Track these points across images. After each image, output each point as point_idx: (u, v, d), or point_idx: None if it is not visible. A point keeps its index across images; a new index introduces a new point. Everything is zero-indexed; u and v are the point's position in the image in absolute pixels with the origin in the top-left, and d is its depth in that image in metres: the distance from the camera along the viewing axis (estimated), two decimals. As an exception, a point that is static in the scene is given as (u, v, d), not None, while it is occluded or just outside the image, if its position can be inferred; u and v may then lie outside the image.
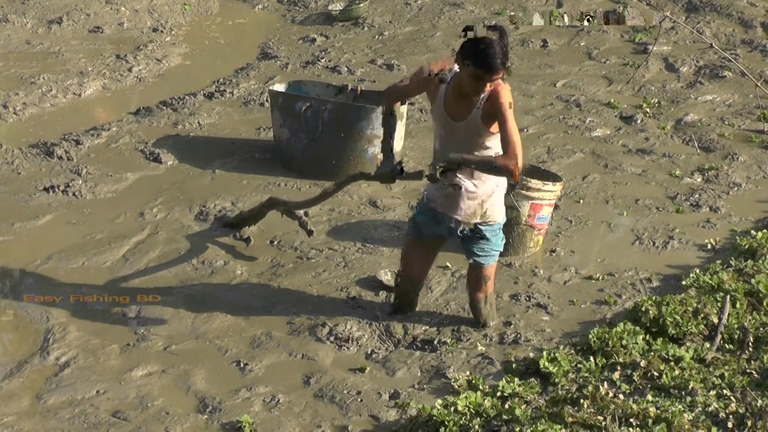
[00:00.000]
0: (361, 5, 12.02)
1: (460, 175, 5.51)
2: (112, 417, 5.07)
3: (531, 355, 5.59)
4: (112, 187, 7.63)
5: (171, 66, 10.42)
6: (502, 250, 5.86)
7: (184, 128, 8.73)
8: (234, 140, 8.61)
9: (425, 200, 5.78)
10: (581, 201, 7.67)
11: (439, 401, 5.09)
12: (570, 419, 4.74)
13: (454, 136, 5.52)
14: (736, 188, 7.93)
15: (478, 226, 5.65)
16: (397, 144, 7.86)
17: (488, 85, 5.31)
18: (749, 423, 4.66)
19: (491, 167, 5.36)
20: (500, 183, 5.64)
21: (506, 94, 5.34)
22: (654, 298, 5.95)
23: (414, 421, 4.99)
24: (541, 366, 5.36)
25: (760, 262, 6.45)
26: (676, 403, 4.87)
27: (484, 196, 5.58)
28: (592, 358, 5.41)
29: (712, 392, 5.00)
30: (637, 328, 5.65)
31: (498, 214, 5.69)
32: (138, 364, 5.50)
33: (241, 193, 7.58)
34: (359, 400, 5.26)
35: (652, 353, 5.42)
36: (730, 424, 4.67)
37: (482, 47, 5.21)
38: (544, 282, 6.53)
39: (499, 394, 5.14)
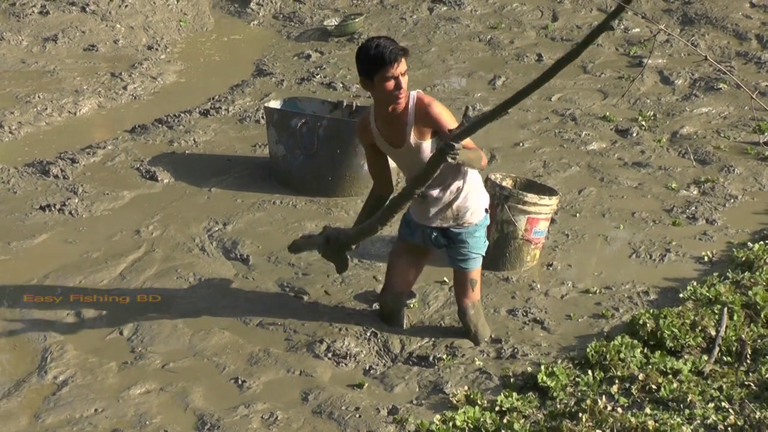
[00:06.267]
0: (357, 21, 12.06)
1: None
2: (111, 436, 5.07)
3: (529, 369, 5.58)
4: (108, 205, 7.63)
5: (166, 83, 10.45)
6: (483, 253, 5.85)
7: (180, 146, 8.74)
8: (230, 157, 8.61)
9: (408, 213, 5.85)
10: (578, 215, 7.67)
11: (438, 417, 5.09)
12: (569, 433, 4.75)
13: (403, 160, 5.63)
14: (732, 200, 7.94)
15: (452, 229, 5.69)
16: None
17: (400, 79, 5.29)
18: (748, 435, 4.68)
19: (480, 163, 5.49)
20: (464, 186, 5.62)
21: (437, 108, 5.39)
22: (651, 311, 5.95)
23: (412, 437, 5.01)
24: (539, 380, 5.36)
25: (758, 274, 6.45)
26: (675, 416, 4.87)
27: (449, 200, 5.61)
28: (590, 372, 5.41)
29: (711, 405, 5.00)
30: (635, 341, 5.65)
31: (472, 216, 5.68)
32: (136, 382, 5.48)
33: (237, 211, 7.58)
34: (357, 416, 5.25)
35: (650, 366, 5.42)
36: (728, 437, 4.69)
37: (373, 51, 5.28)
38: (541, 296, 6.53)
39: (497, 408, 5.13)
